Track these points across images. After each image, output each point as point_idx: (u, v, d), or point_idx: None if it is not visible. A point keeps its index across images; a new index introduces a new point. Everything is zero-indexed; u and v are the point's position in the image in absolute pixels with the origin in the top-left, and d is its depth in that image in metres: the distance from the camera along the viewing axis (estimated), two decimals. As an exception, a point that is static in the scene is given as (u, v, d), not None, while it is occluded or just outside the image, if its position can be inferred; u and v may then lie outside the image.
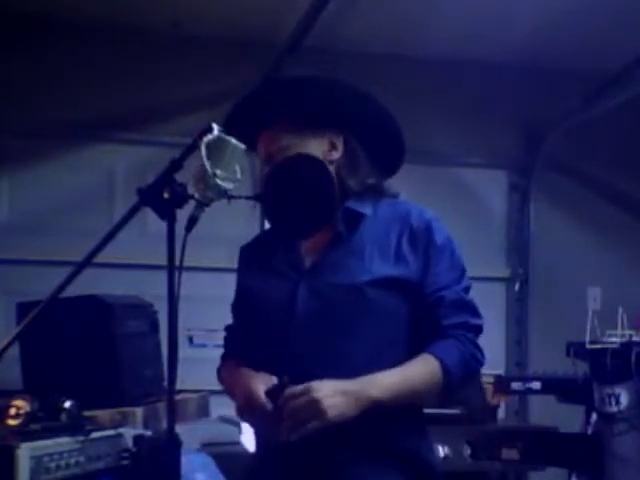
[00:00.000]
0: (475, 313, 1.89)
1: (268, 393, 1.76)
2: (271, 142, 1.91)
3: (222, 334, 2.11)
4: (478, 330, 1.89)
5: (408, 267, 1.85)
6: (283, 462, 1.82)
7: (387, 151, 1.98)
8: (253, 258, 2.01)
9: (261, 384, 1.77)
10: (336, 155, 1.91)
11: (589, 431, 3.38)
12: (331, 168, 1.89)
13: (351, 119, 1.92)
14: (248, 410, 1.79)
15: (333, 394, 1.72)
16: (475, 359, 1.86)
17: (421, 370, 1.81)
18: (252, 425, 1.90)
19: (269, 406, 1.74)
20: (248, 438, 3.46)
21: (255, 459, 2.00)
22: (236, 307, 2.06)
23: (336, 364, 1.80)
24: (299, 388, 1.72)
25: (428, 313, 1.86)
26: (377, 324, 1.83)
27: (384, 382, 1.76)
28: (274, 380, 1.78)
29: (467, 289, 1.90)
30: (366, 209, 1.90)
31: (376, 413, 1.75)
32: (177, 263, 1.57)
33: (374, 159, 1.95)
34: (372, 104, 1.94)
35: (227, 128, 1.86)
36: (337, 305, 1.82)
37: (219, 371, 2.06)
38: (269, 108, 1.91)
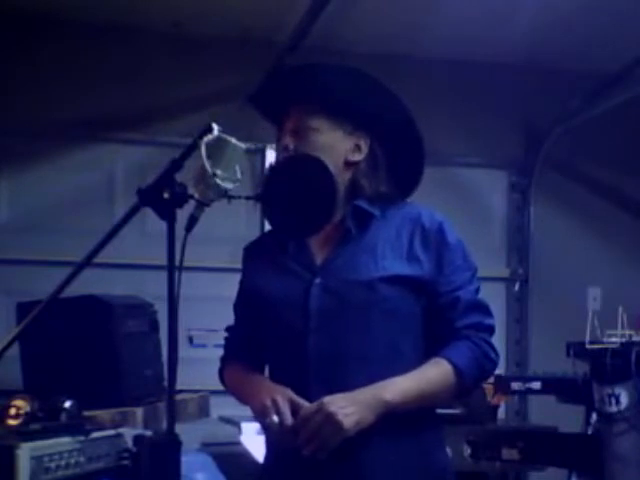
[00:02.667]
0: (488, 313, 1.91)
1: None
2: (301, 118, 1.90)
3: (223, 334, 2.10)
4: (491, 330, 1.90)
5: (421, 267, 1.86)
6: (299, 469, 1.83)
7: (407, 166, 1.98)
8: (260, 258, 2.00)
9: (285, 394, 1.78)
10: (357, 157, 1.91)
11: (589, 431, 3.38)
12: (350, 170, 1.90)
13: (384, 127, 1.92)
14: (272, 415, 1.77)
15: (346, 405, 1.73)
16: (489, 359, 1.87)
17: (434, 374, 1.82)
18: (272, 432, 1.87)
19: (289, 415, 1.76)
20: (255, 444, 3.46)
21: (266, 468, 1.99)
22: (241, 308, 2.05)
23: (357, 361, 1.81)
24: (313, 406, 1.74)
25: (442, 313, 1.87)
26: (393, 321, 1.84)
27: (397, 386, 1.78)
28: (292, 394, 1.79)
29: (478, 290, 1.92)
30: (375, 210, 1.91)
31: (390, 415, 1.76)
32: (177, 263, 1.57)
33: (392, 171, 1.95)
34: (408, 119, 1.94)
35: (264, 91, 1.90)
36: (351, 301, 1.83)
37: (222, 373, 2.05)
38: (310, 85, 1.90)
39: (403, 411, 1.78)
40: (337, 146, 1.89)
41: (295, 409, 1.77)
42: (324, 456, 1.75)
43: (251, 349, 1.99)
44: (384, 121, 1.92)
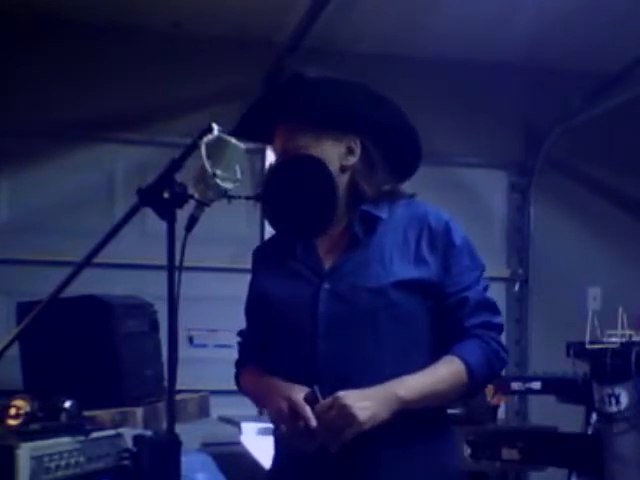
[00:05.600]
0: (496, 312, 1.91)
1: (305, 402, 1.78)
2: (288, 139, 1.90)
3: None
4: (499, 328, 1.91)
5: (429, 268, 1.85)
6: (311, 472, 1.83)
7: (404, 155, 1.97)
8: (269, 261, 1.99)
9: (301, 394, 1.78)
10: (352, 160, 1.89)
11: (589, 431, 3.38)
12: (347, 173, 1.89)
13: (370, 123, 1.91)
14: (290, 419, 1.77)
15: (361, 399, 1.73)
16: (498, 357, 1.88)
17: (447, 372, 1.82)
18: (286, 434, 1.84)
19: (312, 416, 1.75)
20: (254, 446, 3.46)
21: (276, 471, 1.99)
22: (251, 311, 2.04)
23: (366, 366, 1.81)
24: (328, 401, 1.74)
25: (450, 314, 1.87)
26: (401, 325, 1.84)
27: (411, 383, 1.78)
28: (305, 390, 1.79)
29: (486, 288, 1.91)
30: (382, 212, 1.90)
31: (402, 417, 1.76)
32: (177, 263, 1.57)
33: (390, 163, 1.94)
34: (391, 108, 1.93)
35: (245, 123, 1.88)
36: (360, 307, 1.82)
37: (237, 377, 2.05)
38: (288, 105, 1.90)
39: (416, 408, 1.78)
40: (329, 155, 1.87)
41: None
42: (336, 449, 1.73)
43: (264, 352, 1.98)
44: (369, 118, 1.91)
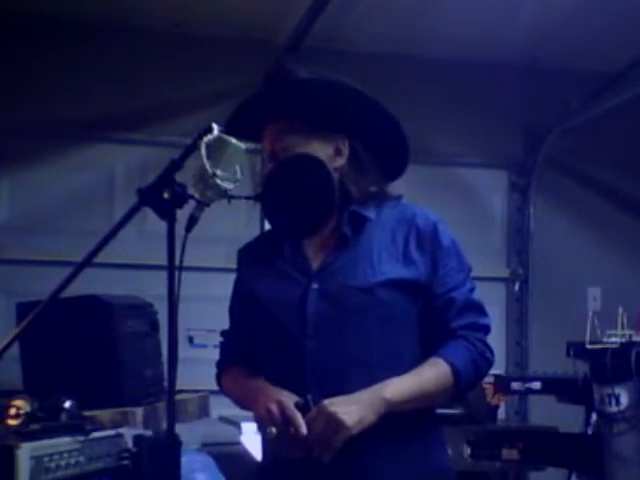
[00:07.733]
0: (482, 313, 1.91)
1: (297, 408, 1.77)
2: (276, 140, 1.89)
3: (219, 338, 2.09)
4: (486, 329, 1.90)
5: (417, 269, 1.85)
6: (298, 473, 1.82)
7: (393, 156, 1.97)
8: (255, 260, 1.99)
9: (290, 400, 1.77)
10: (341, 161, 1.89)
11: (589, 431, 3.38)
12: (335, 174, 1.88)
13: (359, 124, 1.90)
14: (280, 422, 1.76)
15: (346, 404, 1.73)
16: (485, 358, 1.87)
17: (432, 373, 1.82)
18: (274, 437, 1.81)
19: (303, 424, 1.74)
20: (254, 446, 3.46)
21: (263, 470, 1.99)
22: (237, 311, 2.03)
23: (354, 366, 1.81)
24: (314, 411, 1.74)
25: (437, 314, 1.87)
26: (390, 325, 1.83)
27: (396, 385, 1.78)
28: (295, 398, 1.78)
29: (473, 290, 1.91)
30: (369, 213, 1.90)
31: (389, 418, 1.76)
32: (177, 263, 1.57)
33: (379, 163, 1.94)
34: (381, 109, 1.92)
35: (232, 122, 1.87)
36: (349, 307, 1.82)
37: (219, 378, 2.04)
38: (278, 104, 1.89)
39: (402, 411, 1.78)
40: (317, 156, 1.87)
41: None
42: (330, 458, 1.73)
43: (248, 353, 1.98)
44: (358, 119, 1.90)
